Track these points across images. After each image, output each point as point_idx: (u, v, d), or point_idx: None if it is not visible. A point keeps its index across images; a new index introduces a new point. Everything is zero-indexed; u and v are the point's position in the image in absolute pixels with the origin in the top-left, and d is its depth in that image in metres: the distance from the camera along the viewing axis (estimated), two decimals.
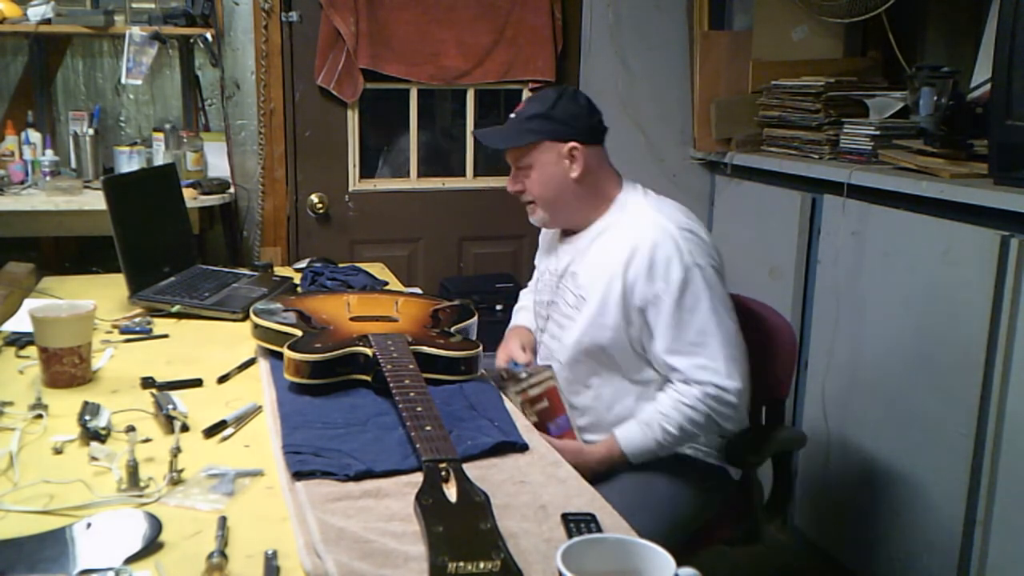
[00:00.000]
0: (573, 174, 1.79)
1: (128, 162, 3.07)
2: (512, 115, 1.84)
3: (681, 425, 1.69)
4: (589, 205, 1.84)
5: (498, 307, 3.19)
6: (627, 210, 1.81)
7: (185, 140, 3.12)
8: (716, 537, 1.89)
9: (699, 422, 1.70)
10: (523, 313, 2.14)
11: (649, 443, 1.72)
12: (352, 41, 3.15)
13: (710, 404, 1.69)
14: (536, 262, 2.10)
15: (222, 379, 1.57)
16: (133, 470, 1.14)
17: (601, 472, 1.69)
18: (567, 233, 1.91)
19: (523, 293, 2.22)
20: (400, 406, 1.28)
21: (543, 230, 2.05)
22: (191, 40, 3.12)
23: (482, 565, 0.89)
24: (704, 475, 1.81)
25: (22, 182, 3.00)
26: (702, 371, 1.69)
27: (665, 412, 1.70)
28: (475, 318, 1.75)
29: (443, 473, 1.07)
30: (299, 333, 1.54)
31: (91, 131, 3.06)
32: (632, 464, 1.73)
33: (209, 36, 3.06)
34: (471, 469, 1.13)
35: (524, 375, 1.80)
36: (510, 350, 1.98)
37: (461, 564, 0.88)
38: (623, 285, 1.72)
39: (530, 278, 2.16)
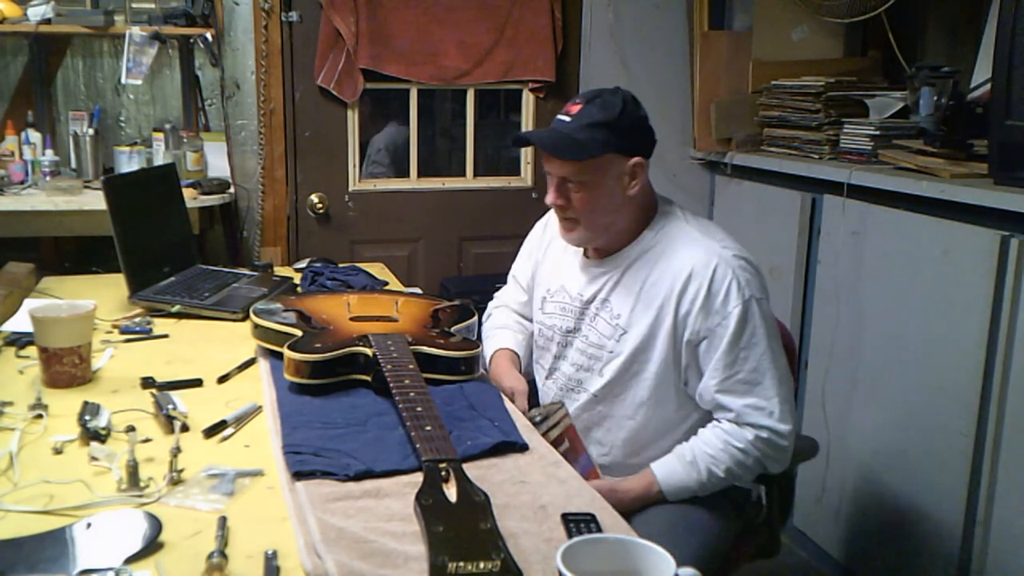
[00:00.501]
0: (631, 191, 1.63)
1: (128, 162, 3.07)
2: (565, 117, 1.62)
3: (729, 468, 1.59)
4: (634, 224, 1.68)
5: None
6: (669, 231, 1.67)
7: (185, 140, 3.12)
8: (742, 556, 1.83)
9: (747, 465, 1.60)
10: (506, 335, 1.92)
11: (691, 483, 1.60)
12: (352, 41, 3.16)
13: (761, 448, 1.59)
14: (523, 272, 1.94)
15: (222, 379, 1.57)
16: (133, 470, 1.14)
17: (635, 509, 1.60)
18: (596, 252, 1.73)
19: (496, 309, 2.01)
20: (400, 406, 1.28)
21: (539, 238, 1.91)
22: (191, 40, 3.12)
23: (482, 565, 0.89)
24: (733, 498, 1.71)
25: (22, 182, 3.00)
26: (755, 412, 1.58)
27: (713, 454, 1.59)
28: (475, 318, 1.75)
29: (443, 473, 1.07)
30: (299, 333, 1.54)
31: (91, 131, 3.06)
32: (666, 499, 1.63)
33: (209, 36, 3.06)
34: (471, 469, 1.13)
35: (538, 418, 1.62)
36: (514, 395, 1.71)
37: (461, 564, 0.88)
38: (674, 317, 1.60)
39: (507, 291, 2.02)
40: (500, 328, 1.95)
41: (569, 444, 1.62)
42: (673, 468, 1.61)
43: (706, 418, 1.66)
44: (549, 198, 1.67)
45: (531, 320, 1.91)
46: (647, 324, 1.63)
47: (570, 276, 1.77)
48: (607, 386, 1.69)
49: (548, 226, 1.89)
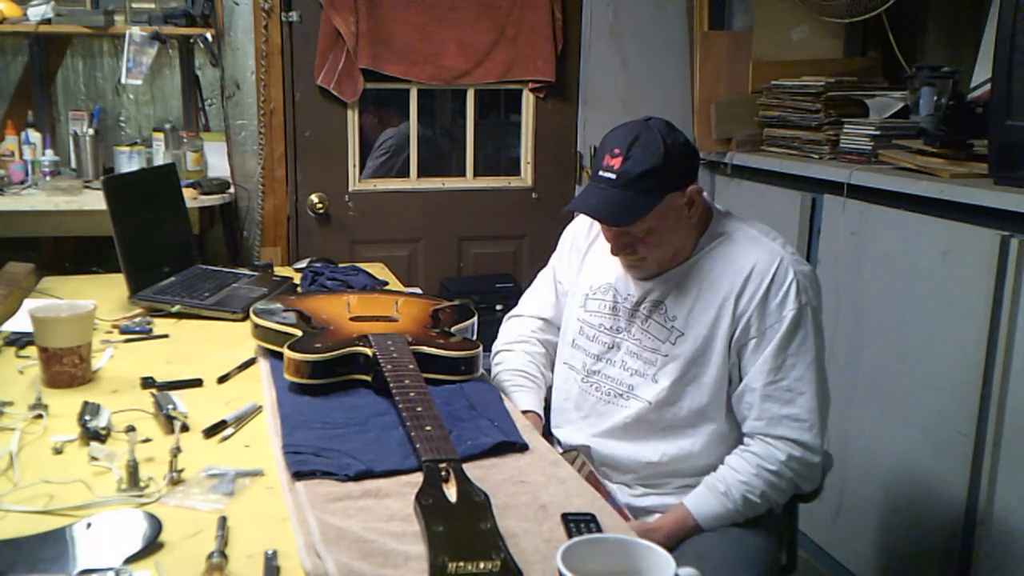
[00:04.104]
0: (694, 218, 1.59)
1: (128, 162, 3.07)
2: (609, 175, 1.52)
3: (764, 492, 1.54)
4: (695, 238, 1.63)
5: (498, 307, 3.19)
6: (728, 231, 1.62)
7: (185, 140, 3.12)
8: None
9: (782, 488, 1.56)
10: (529, 393, 1.75)
11: (727, 513, 1.55)
12: (352, 41, 3.16)
13: (794, 467, 1.54)
14: (565, 269, 1.81)
15: (222, 379, 1.57)
16: (133, 470, 1.14)
17: (670, 546, 1.50)
18: None
19: (518, 344, 1.83)
20: (400, 406, 1.28)
21: (585, 235, 1.79)
22: (191, 40, 3.12)
23: (482, 565, 0.89)
24: (769, 513, 1.63)
25: (22, 182, 3.00)
26: (793, 424, 1.53)
27: (746, 480, 1.54)
28: (475, 318, 1.74)
29: (443, 473, 1.07)
30: (299, 333, 1.54)
31: (91, 131, 3.06)
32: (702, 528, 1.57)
33: (209, 36, 3.06)
34: (471, 469, 1.13)
35: None
36: None
37: (461, 564, 0.88)
38: (732, 315, 1.55)
39: (537, 290, 1.88)
40: (522, 376, 1.79)
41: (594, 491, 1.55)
42: (706, 500, 1.56)
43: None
44: (613, 251, 1.61)
45: (557, 329, 1.83)
46: (707, 325, 1.57)
47: (618, 275, 1.70)
48: (663, 393, 1.60)
49: (593, 223, 1.78)
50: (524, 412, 1.72)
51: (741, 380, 1.58)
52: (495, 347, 1.88)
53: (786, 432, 1.54)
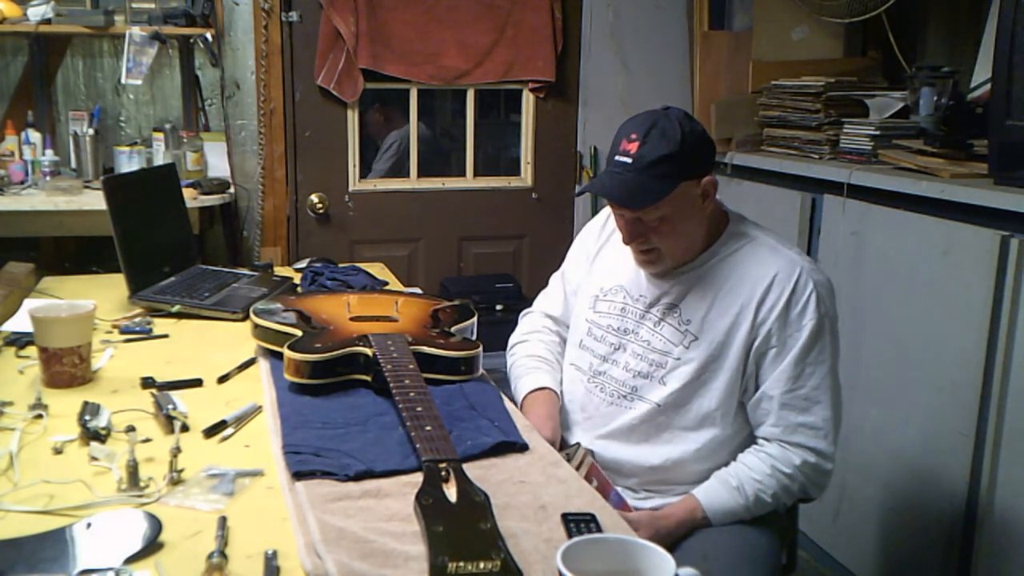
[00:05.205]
0: (707, 210, 1.58)
1: (128, 162, 3.07)
2: (625, 159, 1.52)
3: (776, 493, 1.55)
4: (708, 235, 1.62)
5: (498, 307, 3.19)
6: (747, 238, 1.62)
7: (185, 140, 3.12)
8: None
9: (793, 491, 1.57)
10: (544, 373, 1.77)
11: (737, 508, 1.55)
12: (352, 41, 3.16)
13: (807, 473, 1.56)
14: (574, 271, 1.83)
15: (222, 379, 1.57)
16: (133, 470, 1.14)
17: (679, 535, 1.55)
18: None
19: (533, 335, 1.86)
20: (400, 406, 1.28)
21: (596, 237, 1.80)
22: (191, 40, 3.12)
23: (482, 565, 0.89)
24: (773, 514, 1.63)
25: (22, 182, 3.00)
26: (809, 432, 1.55)
27: (760, 479, 1.54)
28: (475, 318, 1.74)
29: (443, 473, 1.07)
30: (299, 333, 1.54)
31: (91, 131, 3.07)
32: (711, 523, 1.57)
33: (209, 36, 3.06)
34: (471, 469, 1.13)
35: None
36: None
37: (461, 564, 0.88)
38: (752, 323, 1.54)
39: (542, 286, 1.92)
40: (536, 359, 1.81)
41: (597, 483, 1.54)
42: (718, 493, 1.56)
43: (751, 438, 1.62)
44: (626, 239, 1.59)
45: (566, 327, 1.84)
46: (723, 330, 1.56)
47: (629, 276, 1.69)
48: (671, 396, 1.59)
49: (606, 225, 1.79)
50: (540, 389, 1.74)
51: (758, 388, 1.58)
52: (511, 341, 1.90)
53: (803, 440, 1.55)
